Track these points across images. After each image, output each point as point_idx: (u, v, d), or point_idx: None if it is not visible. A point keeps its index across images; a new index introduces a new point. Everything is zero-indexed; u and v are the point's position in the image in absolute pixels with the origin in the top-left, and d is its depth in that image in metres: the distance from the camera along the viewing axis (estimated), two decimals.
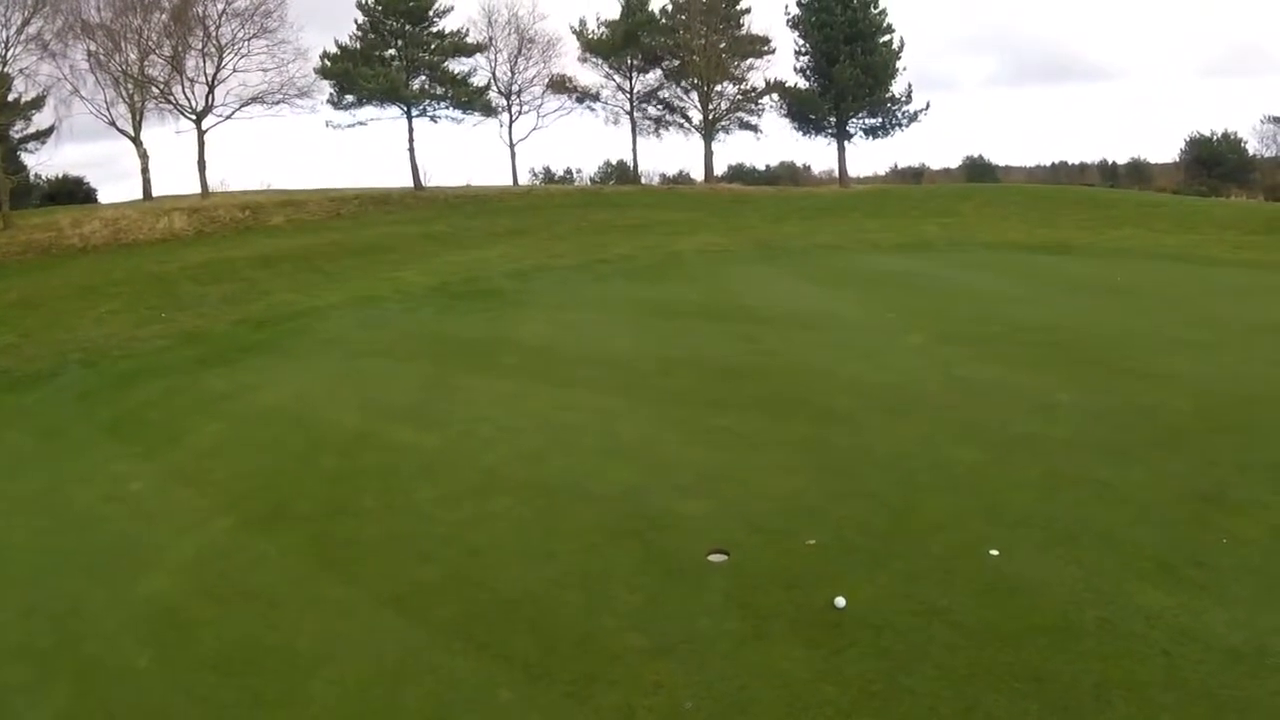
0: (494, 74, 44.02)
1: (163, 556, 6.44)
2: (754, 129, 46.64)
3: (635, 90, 46.38)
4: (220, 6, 37.79)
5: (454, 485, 7.29)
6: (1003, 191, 35.17)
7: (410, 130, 41.93)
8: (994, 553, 5.53)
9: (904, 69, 44.86)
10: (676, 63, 44.70)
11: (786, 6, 44.77)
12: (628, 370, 10.59)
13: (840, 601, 5.04)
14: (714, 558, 5.75)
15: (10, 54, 32.60)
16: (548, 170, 57.57)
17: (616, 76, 46.12)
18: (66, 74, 35.23)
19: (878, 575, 5.36)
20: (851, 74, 42.17)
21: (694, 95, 45.25)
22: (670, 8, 44.75)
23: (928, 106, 45.94)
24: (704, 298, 15.63)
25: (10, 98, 34.02)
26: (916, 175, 60.16)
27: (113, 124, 37.18)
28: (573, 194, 40.88)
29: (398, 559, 6.08)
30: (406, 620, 5.28)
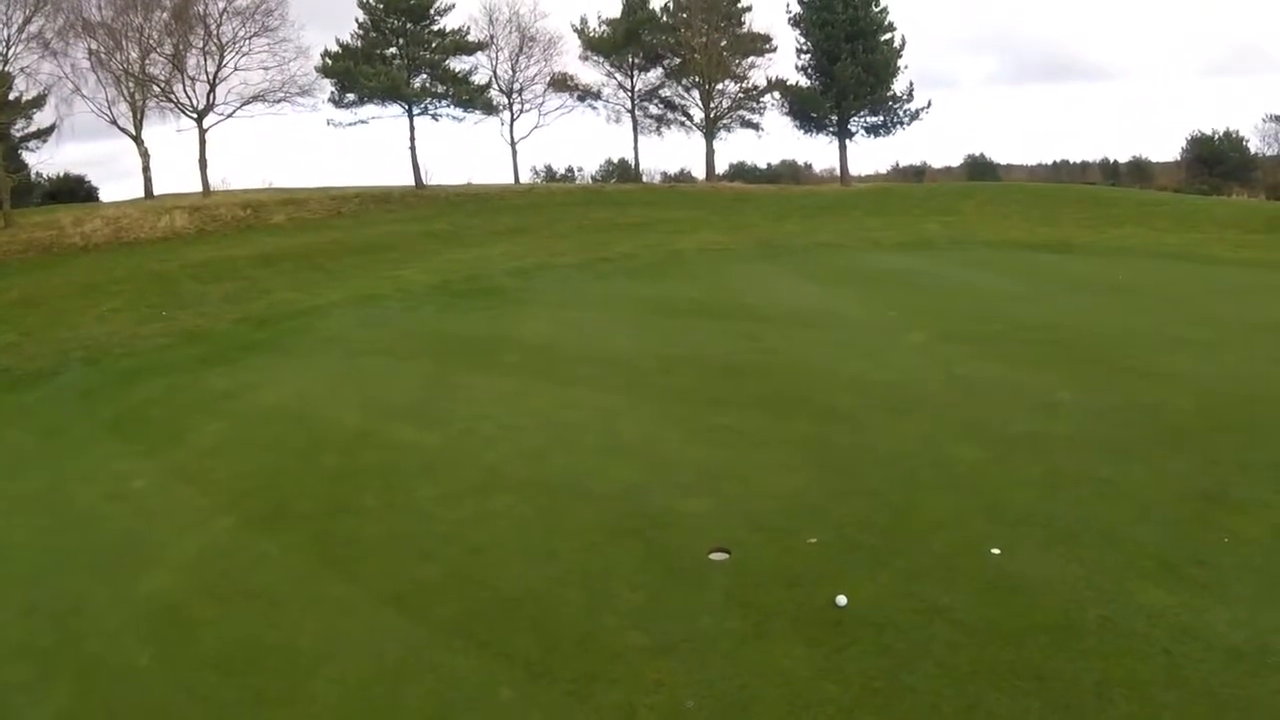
0: (495, 72, 44.03)
1: (164, 555, 6.45)
2: (755, 127, 46.62)
3: (636, 88, 46.35)
4: (221, 5, 37.82)
5: (455, 484, 7.30)
6: (1004, 190, 35.14)
7: (411, 129, 41.94)
8: (995, 551, 5.53)
9: (905, 67, 44.84)
10: (678, 61, 44.68)
11: (788, 4, 44.72)
12: (629, 368, 10.59)
13: (841, 600, 5.04)
14: (715, 556, 5.75)
15: (11, 52, 32.61)
16: (549, 168, 57.58)
17: (618, 75, 46.10)
18: (68, 72, 35.26)
19: (879, 573, 5.36)
20: (853, 72, 42.13)
21: (695, 93, 45.22)
22: (671, 6, 44.72)
23: (929, 105, 45.99)
24: (705, 296, 15.62)
25: (11, 96, 34.02)
26: (918, 173, 60.14)
27: (114, 123, 37.20)
28: (574, 192, 40.87)
29: (399, 557, 6.08)
30: (408, 619, 5.28)
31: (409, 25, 41.94)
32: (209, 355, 13.21)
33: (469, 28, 43.17)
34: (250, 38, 38.12)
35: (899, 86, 44.34)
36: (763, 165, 60.42)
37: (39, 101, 36.41)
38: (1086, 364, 9.68)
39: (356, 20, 41.90)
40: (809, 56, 44.55)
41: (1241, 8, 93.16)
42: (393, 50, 42.28)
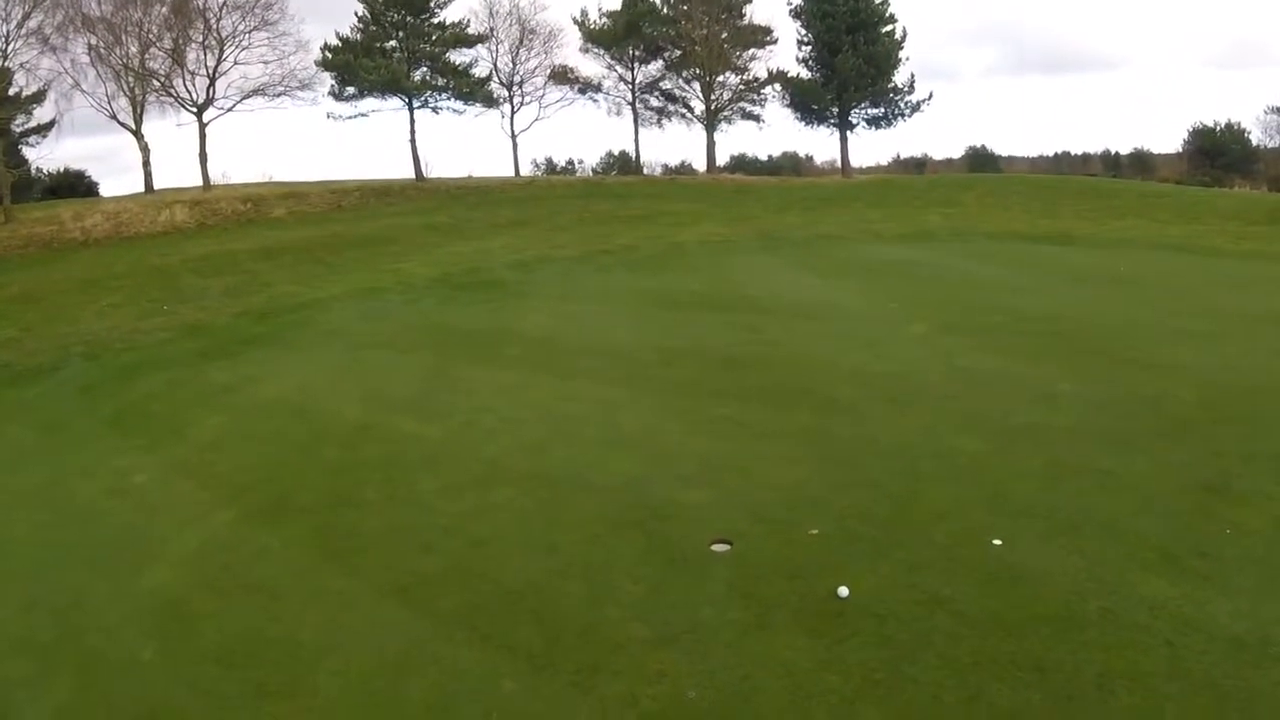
0: (495, 65, 43.94)
1: (165, 549, 6.44)
2: (756, 119, 46.54)
3: (637, 81, 46.26)
4: None
5: (456, 476, 7.29)
6: (1005, 181, 35.07)
7: (412, 122, 41.87)
8: (997, 542, 5.52)
9: (906, 59, 44.76)
10: (678, 53, 44.58)
11: None
12: (630, 361, 10.58)
13: (843, 591, 5.04)
14: (717, 547, 5.75)
15: (11, 48, 32.56)
16: (549, 161, 57.53)
17: (618, 67, 46.00)
18: (67, 68, 35.21)
19: (880, 565, 5.36)
20: (854, 64, 42.05)
21: (696, 86, 45.13)
22: None
23: (930, 96, 45.85)
24: (706, 288, 15.60)
25: (11, 92, 33.97)
26: (919, 165, 60.03)
27: (114, 117, 37.15)
28: (575, 185, 40.81)
29: (400, 550, 6.08)
30: (409, 611, 5.28)
31: (409, 18, 41.84)
32: (210, 349, 13.21)
33: (469, 20, 43.10)
34: (250, 31, 38.06)
35: (900, 78, 44.27)
36: (764, 157, 60.33)
37: (39, 97, 36.36)
38: (1088, 355, 9.66)
39: (356, 13, 41.83)
40: (810, 48, 44.47)
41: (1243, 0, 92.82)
42: (393, 43, 42.19)
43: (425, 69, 42.65)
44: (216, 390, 10.84)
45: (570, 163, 58.06)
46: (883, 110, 44.99)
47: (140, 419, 10.04)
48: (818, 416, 8.13)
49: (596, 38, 44.91)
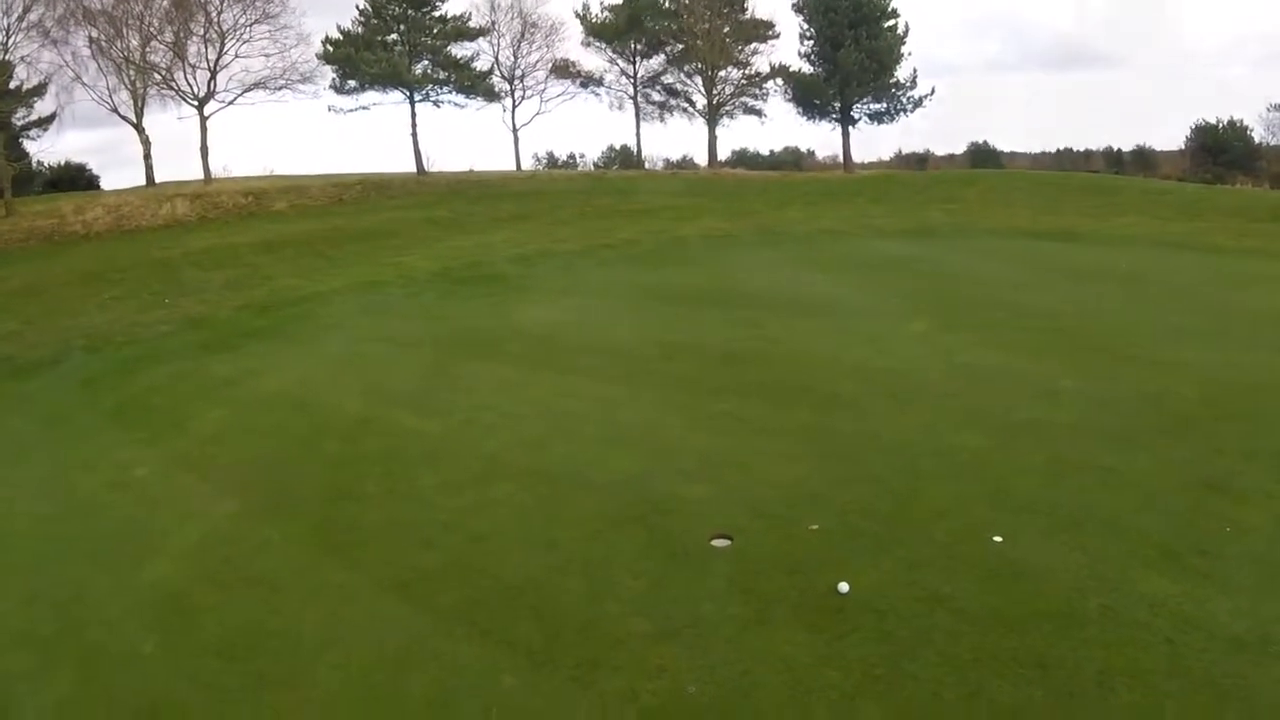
0: (497, 58, 43.92)
1: (166, 542, 6.45)
2: (758, 114, 46.48)
3: (639, 75, 46.21)
4: None
5: (457, 471, 7.29)
6: (1007, 178, 35.02)
7: (413, 115, 41.84)
8: (998, 539, 5.52)
9: (909, 54, 44.64)
10: (680, 47, 44.52)
11: None
12: (630, 356, 10.57)
13: (843, 587, 5.04)
14: (717, 543, 5.75)
15: (12, 41, 32.52)
16: (551, 155, 57.44)
17: (620, 61, 45.95)
18: (68, 61, 35.14)
19: (881, 561, 5.36)
20: (856, 59, 41.98)
21: (698, 80, 45.08)
22: None
23: (932, 92, 45.68)
24: (707, 283, 15.58)
25: (12, 85, 33.94)
26: (921, 161, 59.87)
27: (115, 110, 37.09)
28: (576, 179, 40.78)
29: (400, 545, 6.08)
30: (410, 606, 5.29)
31: (410, 11, 41.80)
32: (211, 342, 13.21)
33: (470, 14, 43.07)
34: (251, 25, 38.00)
35: (902, 73, 44.19)
36: (765, 152, 60.18)
37: (40, 90, 36.32)
38: (1089, 352, 9.65)
39: (357, 6, 41.78)
40: (812, 43, 44.39)
41: None
42: (394, 36, 42.15)
43: (426, 62, 42.61)
44: (217, 383, 10.84)
45: (572, 157, 57.98)
46: (885, 105, 44.93)
47: (141, 412, 10.04)
48: (818, 412, 8.12)
49: (598, 31, 44.85)
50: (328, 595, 5.49)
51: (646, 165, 49.25)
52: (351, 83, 41.68)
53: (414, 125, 41.95)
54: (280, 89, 38.90)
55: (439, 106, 43.91)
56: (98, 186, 43.11)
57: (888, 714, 4.08)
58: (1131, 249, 17.72)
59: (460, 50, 43.44)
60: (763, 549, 5.61)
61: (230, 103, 38.66)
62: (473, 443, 7.99)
